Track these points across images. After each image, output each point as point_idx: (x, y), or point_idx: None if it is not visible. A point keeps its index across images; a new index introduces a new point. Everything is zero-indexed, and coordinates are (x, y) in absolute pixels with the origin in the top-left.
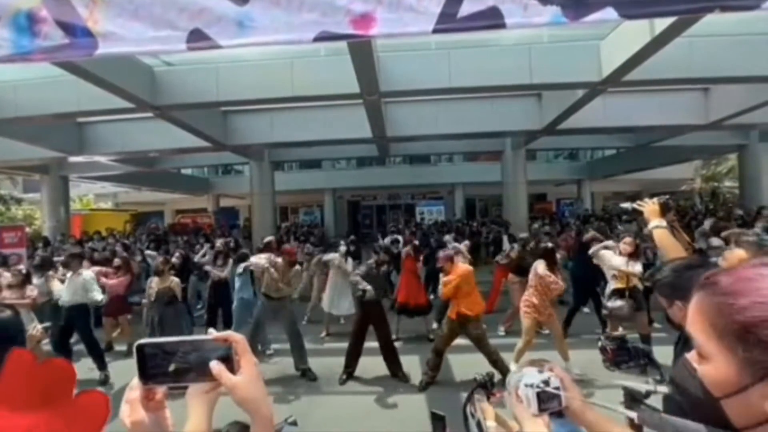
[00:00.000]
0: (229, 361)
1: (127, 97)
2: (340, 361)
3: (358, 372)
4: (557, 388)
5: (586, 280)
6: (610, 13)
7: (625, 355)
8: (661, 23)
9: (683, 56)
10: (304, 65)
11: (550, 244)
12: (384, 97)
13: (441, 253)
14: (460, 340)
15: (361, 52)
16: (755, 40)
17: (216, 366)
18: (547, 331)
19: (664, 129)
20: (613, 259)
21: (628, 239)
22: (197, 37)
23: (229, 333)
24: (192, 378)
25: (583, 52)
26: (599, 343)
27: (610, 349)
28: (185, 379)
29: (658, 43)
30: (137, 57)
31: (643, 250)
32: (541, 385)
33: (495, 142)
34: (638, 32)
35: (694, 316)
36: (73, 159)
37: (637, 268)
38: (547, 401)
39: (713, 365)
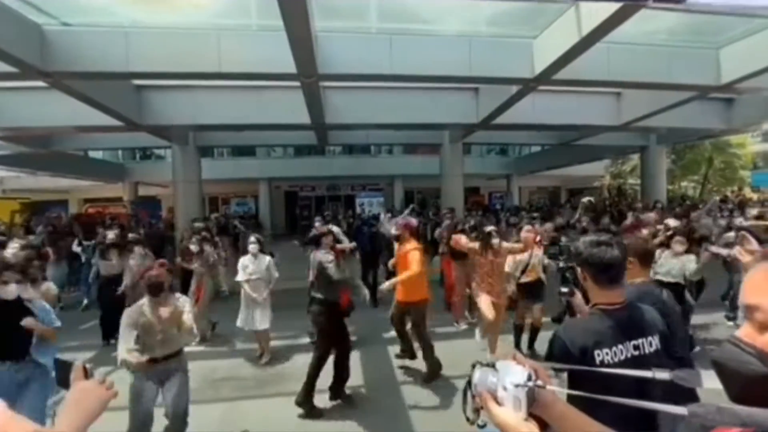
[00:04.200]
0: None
1: (7, 59)
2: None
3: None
4: (537, 381)
5: None
6: None
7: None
8: (587, 26)
9: (602, 60)
10: (234, 39)
11: (491, 227)
12: (322, 80)
13: (400, 220)
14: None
15: (298, 28)
16: (656, 51)
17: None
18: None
19: (583, 128)
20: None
21: (527, 227)
22: None
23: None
24: None
25: (518, 49)
26: None
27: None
28: None
29: (584, 43)
30: (22, 12)
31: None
32: (530, 383)
33: (434, 134)
34: (567, 33)
35: (762, 284)
36: None
37: (536, 255)
38: (531, 398)
39: None
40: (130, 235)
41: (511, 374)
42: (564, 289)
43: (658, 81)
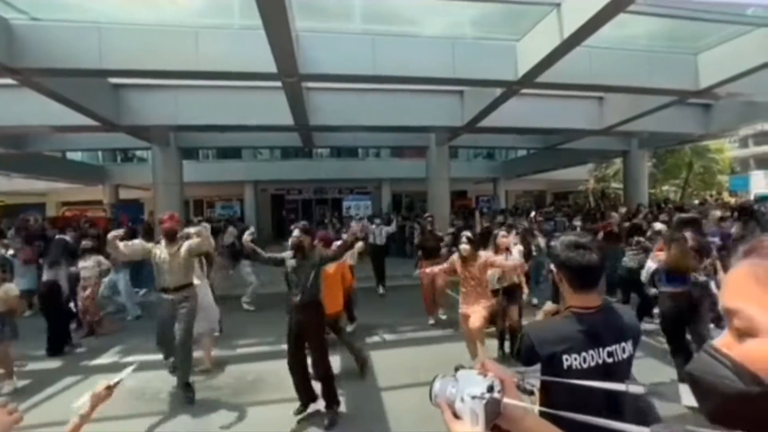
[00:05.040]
0: None
1: None
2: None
3: None
4: (500, 393)
5: None
6: None
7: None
8: (569, 28)
9: (584, 64)
10: (212, 37)
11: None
12: (304, 81)
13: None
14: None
15: (277, 26)
16: (636, 56)
17: None
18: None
19: (567, 132)
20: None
21: (502, 232)
22: None
23: None
24: None
25: (501, 51)
26: None
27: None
28: None
29: (566, 46)
30: None
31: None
32: (488, 394)
33: (420, 137)
34: (549, 35)
35: (743, 285)
36: None
37: (512, 259)
38: (491, 412)
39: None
40: (83, 242)
41: (470, 385)
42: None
43: (638, 85)
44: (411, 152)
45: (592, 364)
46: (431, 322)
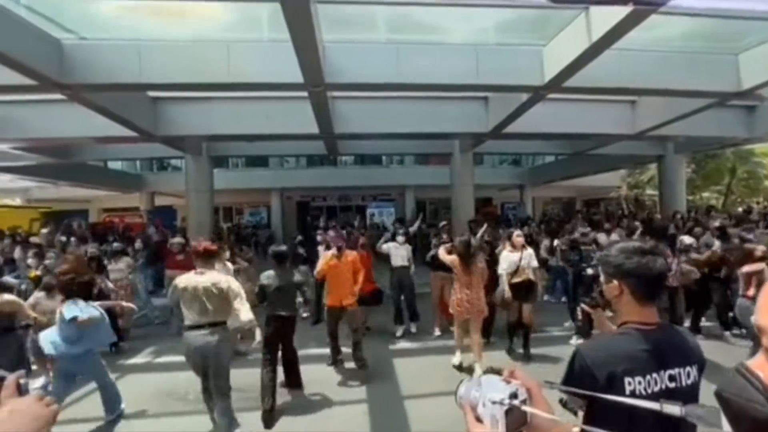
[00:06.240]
0: None
1: (27, 72)
2: None
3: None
4: (524, 401)
5: None
6: None
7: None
8: (597, 32)
9: (613, 68)
10: (242, 50)
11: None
12: (330, 90)
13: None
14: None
15: (304, 39)
16: (671, 58)
17: None
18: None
19: (597, 137)
20: (510, 257)
21: (518, 231)
22: None
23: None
24: None
25: (527, 56)
26: None
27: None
28: None
29: (594, 50)
30: (43, 28)
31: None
32: (509, 401)
33: (444, 144)
34: (577, 40)
35: None
36: None
37: (532, 263)
38: (514, 420)
39: None
40: (114, 244)
41: (492, 390)
42: (587, 299)
43: (674, 88)
44: (435, 159)
45: (656, 389)
46: (437, 333)
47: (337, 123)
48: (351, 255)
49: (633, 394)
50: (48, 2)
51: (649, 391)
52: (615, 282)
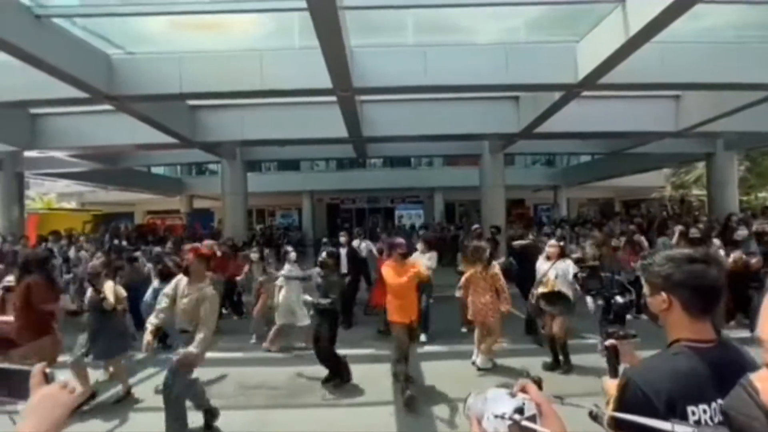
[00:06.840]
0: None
1: (80, 85)
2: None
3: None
4: (533, 417)
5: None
6: None
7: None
8: (635, 26)
9: (654, 61)
10: (274, 58)
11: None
12: (358, 94)
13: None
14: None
15: (333, 45)
16: (721, 49)
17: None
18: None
19: (637, 135)
20: (541, 266)
21: (552, 242)
22: None
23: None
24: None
25: (560, 54)
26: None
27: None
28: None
29: (631, 45)
30: (93, 44)
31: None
32: (515, 415)
33: (473, 145)
34: (613, 34)
35: None
36: (28, 154)
37: (568, 276)
38: None
39: None
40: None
41: (497, 404)
42: (612, 330)
43: (723, 81)
44: (465, 160)
45: (722, 417)
46: (463, 330)
47: (366, 126)
48: (411, 263)
49: (698, 424)
50: (99, 21)
51: (716, 420)
52: (663, 294)
